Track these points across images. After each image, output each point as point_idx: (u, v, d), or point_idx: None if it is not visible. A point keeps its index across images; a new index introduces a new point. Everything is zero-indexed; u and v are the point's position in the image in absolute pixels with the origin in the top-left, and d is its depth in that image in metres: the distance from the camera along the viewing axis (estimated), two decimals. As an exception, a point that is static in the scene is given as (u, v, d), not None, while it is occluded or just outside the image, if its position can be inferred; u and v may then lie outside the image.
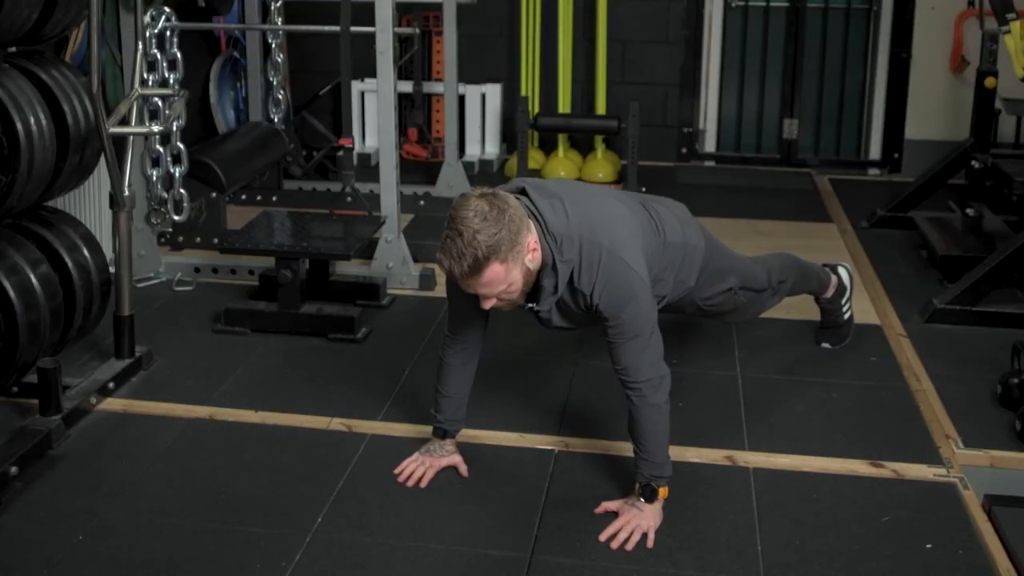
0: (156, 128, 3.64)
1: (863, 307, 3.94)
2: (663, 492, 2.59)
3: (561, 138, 5.92)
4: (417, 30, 5.22)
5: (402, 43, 5.85)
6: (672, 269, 2.82)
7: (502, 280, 2.41)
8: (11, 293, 2.87)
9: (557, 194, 2.58)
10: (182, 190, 4.26)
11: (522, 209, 2.46)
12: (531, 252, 2.45)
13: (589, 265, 2.52)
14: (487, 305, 2.49)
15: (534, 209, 2.51)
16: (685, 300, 2.98)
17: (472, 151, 6.19)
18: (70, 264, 3.13)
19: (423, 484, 2.77)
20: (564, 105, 5.99)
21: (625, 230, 2.61)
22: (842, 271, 3.60)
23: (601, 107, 5.99)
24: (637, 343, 2.54)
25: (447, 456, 2.83)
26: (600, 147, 5.90)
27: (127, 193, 3.29)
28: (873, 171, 6.15)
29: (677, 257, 2.83)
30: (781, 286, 3.34)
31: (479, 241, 2.34)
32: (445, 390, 2.82)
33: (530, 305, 2.60)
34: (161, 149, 4.23)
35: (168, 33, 4.13)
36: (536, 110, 5.99)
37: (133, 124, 3.49)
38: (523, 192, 2.56)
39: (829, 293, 3.57)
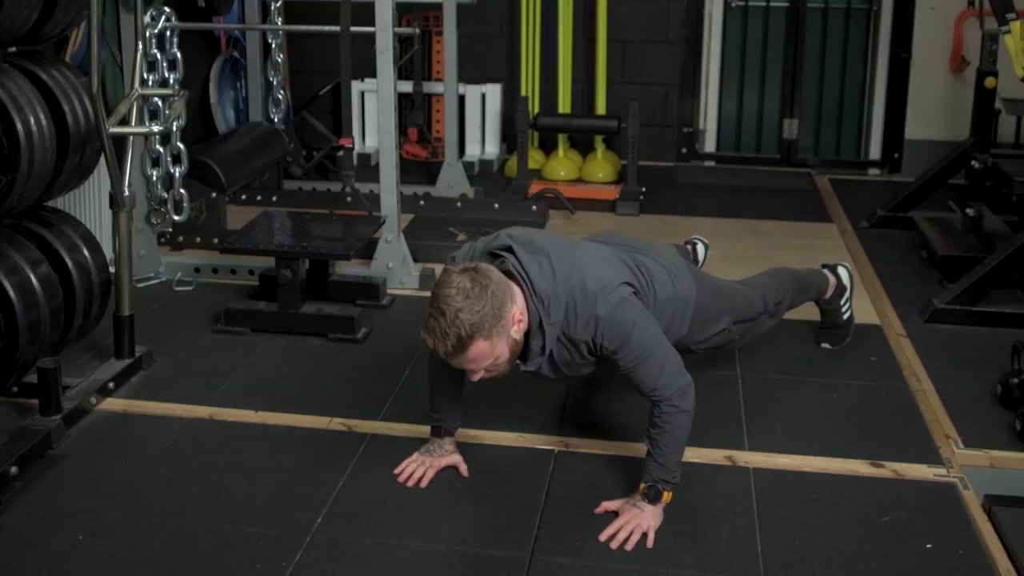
0: (156, 128, 3.64)
1: (863, 307, 3.94)
2: (667, 496, 2.59)
3: (561, 138, 5.92)
4: (417, 30, 5.22)
5: (402, 43, 5.84)
6: (662, 323, 2.81)
7: (488, 355, 2.42)
8: (11, 293, 2.87)
9: (544, 249, 2.57)
10: (182, 190, 4.26)
11: (505, 281, 2.45)
12: (516, 323, 2.46)
13: (585, 313, 2.53)
14: (475, 378, 2.50)
15: (521, 269, 2.51)
16: (679, 346, 2.98)
17: (472, 151, 6.19)
18: (70, 264, 3.13)
19: (423, 484, 2.77)
20: (564, 105, 5.98)
21: (614, 271, 2.63)
22: (841, 271, 3.60)
23: (601, 107, 5.98)
24: (652, 363, 2.55)
25: (447, 456, 2.83)
26: (600, 147, 5.90)
27: (127, 193, 3.29)
28: (873, 171, 6.16)
29: (667, 311, 2.82)
30: (778, 308, 3.34)
31: (462, 320, 2.34)
32: (437, 388, 2.82)
33: (517, 362, 2.59)
34: (161, 149, 4.23)
35: (168, 33, 4.13)
36: (536, 110, 5.98)
37: (133, 124, 3.49)
38: (509, 249, 2.56)
39: (828, 294, 3.57)
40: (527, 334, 2.53)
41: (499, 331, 2.40)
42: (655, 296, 2.78)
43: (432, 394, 2.83)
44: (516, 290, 2.49)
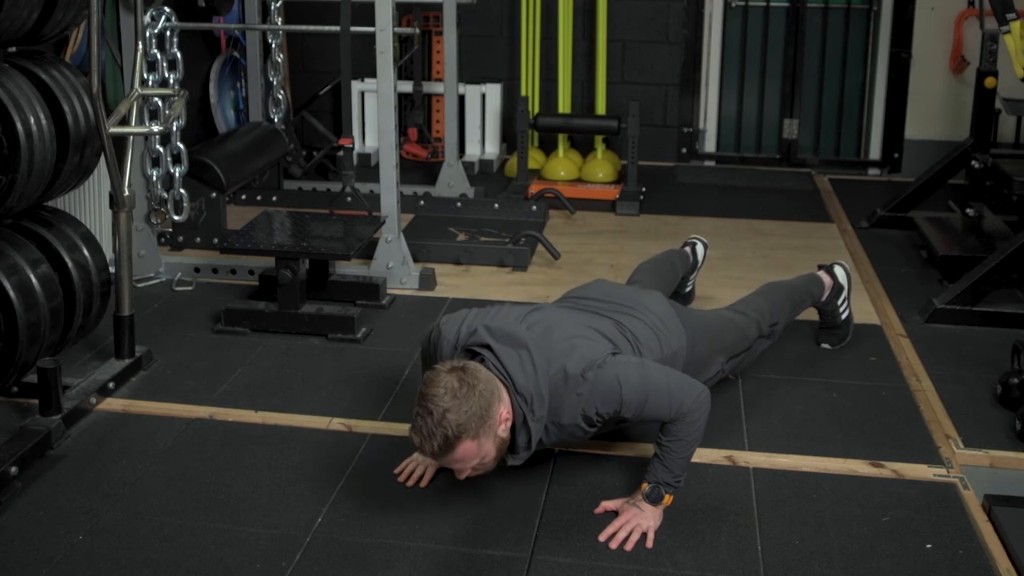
0: (156, 128, 3.64)
1: (863, 307, 3.94)
2: (668, 499, 2.59)
3: (561, 138, 5.92)
4: (417, 30, 5.23)
5: (402, 43, 5.85)
6: None
7: (475, 455, 2.42)
8: (11, 293, 2.87)
9: (523, 342, 2.54)
10: (182, 190, 4.26)
11: (493, 380, 2.44)
12: (503, 422, 2.45)
13: (569, 399, 2.53)
14: (462, 476, 2.50)
15: (501, 368, 2.49)
16: None
17: (472, 151, 6.19)
18: (70, 264, 3.13)
19: (423, 484, 2.76)
20: (564, 105, 5.99)
21: (596, 348, 2.61)
22: (838, 270, 3.59)
23: (601, 107, 5.99)
24: (655, 400, 2.55)
25: (447, 456, 2.82)
26: (600, 147, 5.90)
27: (127, 193, 3.29)
28: (873, 171, 6.16)
29: None
30: (773, 329, 3.32)
31: (449, 420, 2.34)
32: None
33: (506, 455, 2.57)
34: (161, 149, 4.23)
35: (168, 33, 4.13)
36: (536, 110, 5.99)
37: (133, 124, 3.49)
38: (488, 347, 2.53)
39: (824, 296, 3.57)
40: (513, 429, 2.52)
41: (486, 431, 2.40)
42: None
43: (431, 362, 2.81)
44: (503, 388, 2.48)
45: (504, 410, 2.45)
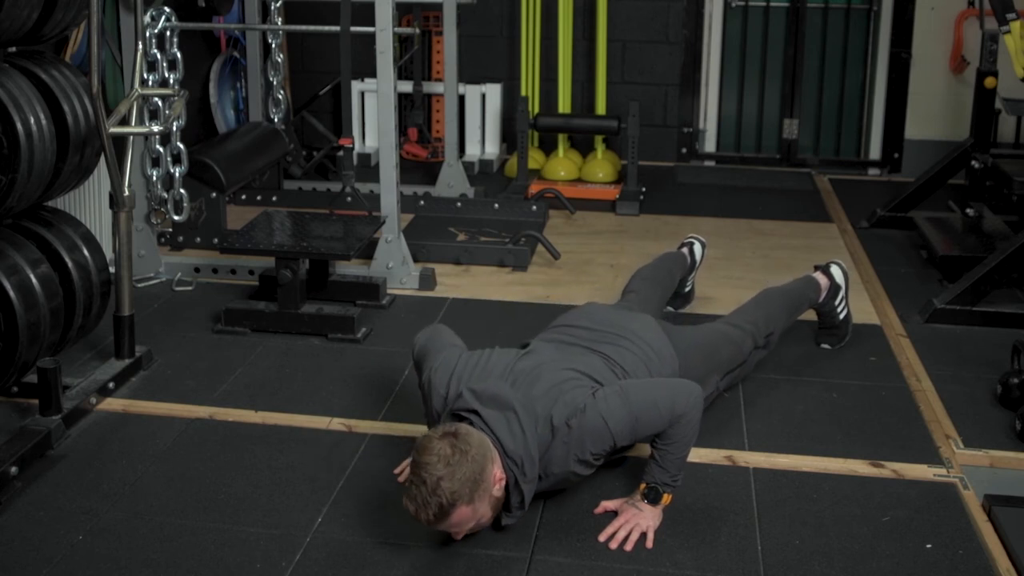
0: (156, 128, 3.64)
1: (863, 307, 3.94)
2: (667, 499, 2.58)
3: (561, 138, 5.92)
4: (417, 30, 5.23)
5: (402, 43, 5.85)
6: None
7: (470, 519, 2.40)
8: (11, 293, 2.87)
9: (509, 404, 2.51)
10: (182, 190, 4.26)
11: (485, 443, 2.42)
12: (497, 483, 2.43)
13: (558, 450, 2.51)
14: (458, 537, 2.48)
15: (490, 433, 2.47)
16: None
17: (472, 151, 6.19)
18: (70, 264, 3.13)
19: (423, 484, 2.75)
20: (564, 105, 5.99)
21: (581, 391, 2.59)
22: (835, 270, 3.58)
23: (601, 107, 5.99)
24: (646, 417, 2.54)
25: (447, 456, 2.81)
26: (600, 147, 5.90)
27: (127, 193, 3.29)
28: (873, 171, 6.16)
29: None
30: (769, 339, 3.31)
31: (443, 488, 2.32)
32: (430, 408, 2.78)
33: (502, 513, 2.55)
34: (161, 149, 4.23)
35: (168, 33, 4.13)
36: (536, 110, 5.99)
37: (133, 124, 3.49)
38: (475, 412, 2.51)
39: (821, 298, 3.57)
40: (506, 488, 2.50)
41: (480, 495, 2.38)
42: None
43: (427, 408, 2.80)
44: (495, 449, 2.46)
45: (497, 471, 2.43)
